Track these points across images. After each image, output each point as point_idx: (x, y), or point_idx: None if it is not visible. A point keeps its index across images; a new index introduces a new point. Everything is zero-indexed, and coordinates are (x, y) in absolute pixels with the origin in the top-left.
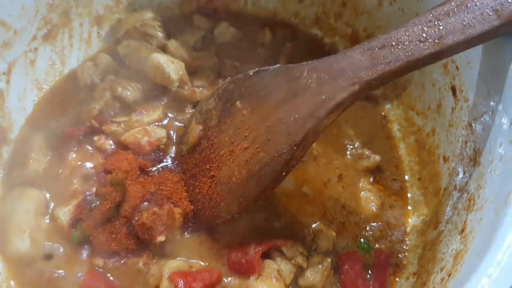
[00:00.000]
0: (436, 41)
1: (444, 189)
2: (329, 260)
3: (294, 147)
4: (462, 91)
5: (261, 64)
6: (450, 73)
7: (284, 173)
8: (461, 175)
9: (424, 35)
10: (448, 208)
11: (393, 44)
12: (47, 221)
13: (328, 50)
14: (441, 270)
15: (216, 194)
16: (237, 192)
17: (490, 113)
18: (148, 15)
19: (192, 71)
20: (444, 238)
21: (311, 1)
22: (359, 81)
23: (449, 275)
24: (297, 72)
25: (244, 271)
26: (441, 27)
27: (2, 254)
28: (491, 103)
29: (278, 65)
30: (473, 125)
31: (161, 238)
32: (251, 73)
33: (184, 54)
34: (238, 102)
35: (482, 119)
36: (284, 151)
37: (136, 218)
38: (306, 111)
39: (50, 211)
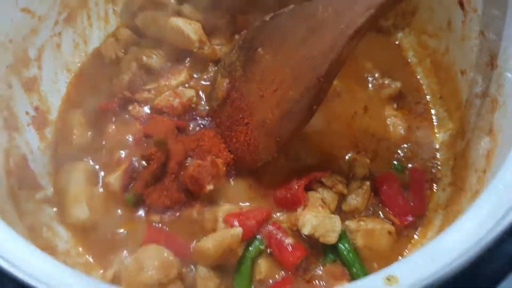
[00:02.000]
0: None
1: (466, 100)
2: (367, 183)
3: (321, 79)
4: (470, 2)
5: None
6: None
7: (314, 107)
8: (480, 83)
9: None
10: (472, 116)
11: None
12: (100, 189)
13: None
14: (476, 171)
15: (254, 139)
16: (273, 133)
17: (501, 16)
18: None
19: (209, 32)
20: (473, 145)
21: None
22: (373, 5)
23: (484, 172)
24: (312, 9)
25: (291, 205)
26: None
27: (65, 225)
28: (501, 7)
29: (292, 5)
30: (485, 32)
31: (209, 186)
32: (267, 19)
33: (198, 16)
34: (259, 49)
35: (493, 24)
36: (312, 85)
37: (182, 173)
38: (328, 43)
39: (100, 180)
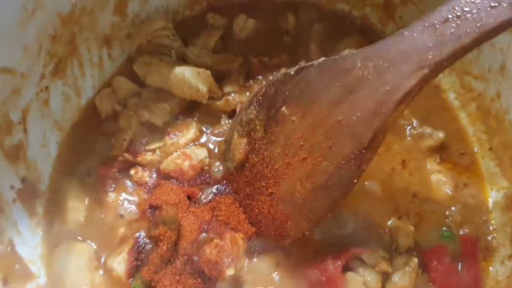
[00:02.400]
0: None
1: None
2: (415, 260)
3: (363, 151)
4: None
5: (291, 55)
6: None
7: (355, 180)
8: None
9: None
10: None
11: (459, 15)
12: (101, 272)
13: (360, 24)
14: None
15: (280, 213)
16: (304, 208)
17: None
18: (159, 24)
19: (219, 77)
20: None
21: None
22: (428, 63)
23: None
24: (347, 63)
25: None
26: None
27: None
28: None
29: (322, 58)
30: None
31: (230, 271)
32: (292, 72)
33: (206, 60)
34: (283, 108)
35: None
36: (352, 156)
37: (198, 255)
38: (370, 107)
39: (102, 263)
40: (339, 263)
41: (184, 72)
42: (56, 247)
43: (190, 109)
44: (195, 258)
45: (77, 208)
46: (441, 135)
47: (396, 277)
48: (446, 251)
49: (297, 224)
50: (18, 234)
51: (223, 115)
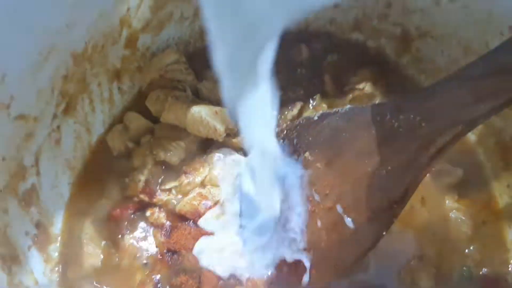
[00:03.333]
0: None
1: None
2: None
3: (394, 205)
4: None
5: (306, 88)
6: None
7: (384, 233)
8: None
9: None
10: None
11: (502, 69)
12: None
13: (374, 54)
14: None
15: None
16: (329, 258)
17: None
18: (171, 58)
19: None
20: None
21: (349, 4)
22: (463, 120)
23: None
24: (377, 114)
25: None
26: None
27: None
28: None
29: (348, 106)
30: None
31: None
32: (315, 118)
33: (220, 95)
34: (307, 154)
35: None
36: (381, 210)
37: None
38: (401, 162)
39: None
40: None
41: (202, 112)
42: None
43: (205, 146)
44: None
45: (93, 253)
46: (459, 172)
47: None
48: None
49: (322, 274)
50: (35, 283)
51: (238, 152)
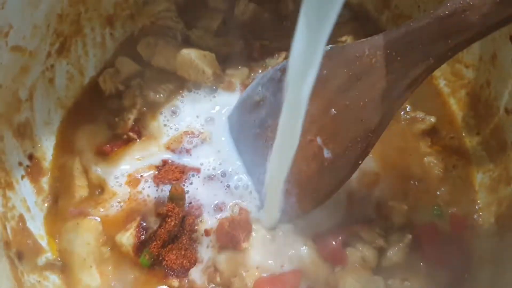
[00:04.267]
0: None
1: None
2: (409, 236)
3: (370, 134)
4: None
5: (290, 39)
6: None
7: (360, 162)
8: None
9: None
10: None
11: (465, 9)
12: (109, 250)
13: (357, 10)
14: None
15: (285, 191)
16: (308, 187)
17: None
18: (162, 5)
19: (221, 59)
20: None
21: None
22: (433, 54)
23: None
24: (356, 51)
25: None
26: None
27: None
28: None
29: (331, 45)
30: None
31: (245, 244)
32: None
33: (209, 42)
34: None
35: None
36: (359, 139)
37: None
38: (377, 93)
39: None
40: (340, 238)
41: (191, 54)
42: (64, 223)
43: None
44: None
45: (82, 185)
46: (432, 119)
47: (391, 252)
48: (435, 229)
49: (302, 202)
50: (27, 210)
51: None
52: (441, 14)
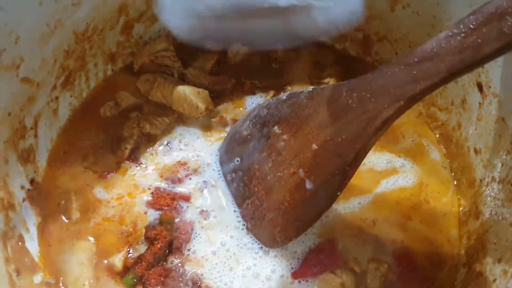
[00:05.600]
0: (475, 50)
1: (480, 180)
2: (385, 265)
3: (347, 168)
4: (490, 87)
5: (278, 79)
6: (474, 70)
7: (338, 193)
8: (499, 168)
9: (461, 45)
10: (488, 198)
11: (432, 57)
12: (101, 270)
13: (340, 55)
14: (499, 261)
15: (268, 221)
16: (292, 217)
17: None
18: (161, 45)
19: (214, 96)
20: (490, 229)
21: None
22: (403, 97)
23: None
24: (334, 93)
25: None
26: (475, 37)
27: None
28: None
29: (311, 87)
30: (507, 120)
31: None
32: (284, 97)
33: (203, 80)
34: (276, 127)
35: None
36: (337, 172)
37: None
38: (353, 131)
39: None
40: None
41: (186, 90)
42: (59, 244)
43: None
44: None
45: (77, 207)
46: None
47: (369, 279)
48: (412, 257)
49: (284, 231)
50: (27, 231)
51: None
52: (410, 61)
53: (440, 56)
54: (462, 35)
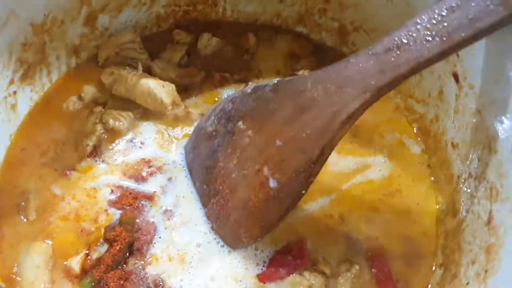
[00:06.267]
0: (444, 38)
1: (458, 176)
2: (357, 267)
3: (312, 165)
4: (466, 78)
5: (250, 71)
6: (450, 60)
7: (303, 191)
8: (475, 163)
9: (429, 33)
10: (464, 196)
11: (399, 46)
12: (58, 273)
13: (316, 45)
14: (473, 263)
15: (233, 221)
16: (256, 216)
17: (502, 100)
18: (127, 37)
19: (182, 89)
20: (466, 228)
21: (292, 1)
22: (370, 88)
23: (486, 271)
24: (299, 85)
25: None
26: (445, 24)
27: None
28: (501, 91)
29: (277, 79)
30: (483, 112)
31: None
32: (249, 91)
33: (171, 73)
34: (240, 123)
35: (493, 107)
36: (302, 169)
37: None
38: (318, 126)
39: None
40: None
41: (150, 84)
42: (13, 246)
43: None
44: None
45: (34, 207)
46: None
47: (340, 281)
48: (385, 259)
49: (250, 231)
50: None
51: (185, 127)
52: (377, 51)
53: (407, 45)
54: (431, 21)
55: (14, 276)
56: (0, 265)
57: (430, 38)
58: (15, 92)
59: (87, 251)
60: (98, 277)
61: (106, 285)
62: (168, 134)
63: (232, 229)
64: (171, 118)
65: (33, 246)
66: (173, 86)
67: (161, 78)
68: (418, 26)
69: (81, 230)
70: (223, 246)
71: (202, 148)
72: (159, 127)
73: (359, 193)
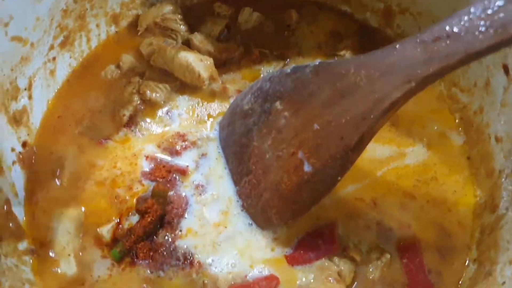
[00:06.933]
0: (499, 30)
1: (499, 171)
2: (388, 256)
3: (349, 152)
4: None
5: (291, 49)
6: (501, 51)
7: (339, 178)
8: None
9: (483, 24)
10: (505, 192)
11: (449, 35)
12: (89, 240)
13: (360, 26)
14: (510, 262)
15: (265, 201)
16: (288, 199)
17: None
18: (168, 8)
19: (220, 64)
20: (505, 225)
21: None
22: (415, 78)
23: None
24: (342, 69)
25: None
26: (502, 14)
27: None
28: None
29: (318, 60)
30: None
31: None
32: (288, 71)
33: (209, 47)
34: (277, 103)
35: None
36: (338, 156)
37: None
38: (359, 112)
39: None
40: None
41: (188, 57)
42: (47, 211)
43: (190, 91)
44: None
45: (68, 174)
46: None
47: (368, 270)
48: (419, 248)
49: (281, 213)
50: (15, 195)
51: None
52: (425, 39)
53: (458, 34)
54: (486, 12)
55: (46, 241)
56: (33, 229)
57: (483, 29)
58: (54, 58)
59: (118, 220)
60: (128, 247)
61: (136, 255)
62: (204, 109)
63: (262, 210)
64: (208, 92)
65: (65, 212)
66: (211, 60)
67: (199, 52)
68: (471, 16)
69: (116, 197)
70: (251, 224)
71: (237, 125)
72: (195, 101)
73: (393, 178)
